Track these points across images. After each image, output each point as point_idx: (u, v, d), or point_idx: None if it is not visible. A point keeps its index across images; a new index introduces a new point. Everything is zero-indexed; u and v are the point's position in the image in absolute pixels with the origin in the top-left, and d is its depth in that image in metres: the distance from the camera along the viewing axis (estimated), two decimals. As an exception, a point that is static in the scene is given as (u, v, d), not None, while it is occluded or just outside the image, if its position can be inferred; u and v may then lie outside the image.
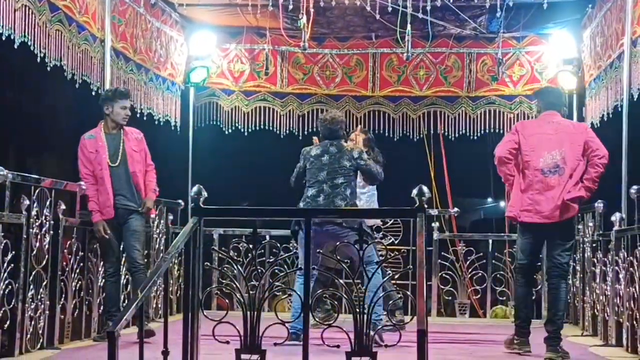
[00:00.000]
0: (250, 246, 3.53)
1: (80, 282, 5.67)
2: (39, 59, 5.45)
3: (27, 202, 4.86)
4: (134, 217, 5.78)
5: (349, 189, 5.80)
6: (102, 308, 5.95)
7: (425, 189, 3.51)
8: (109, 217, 5.68)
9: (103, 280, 5.91)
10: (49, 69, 5.62)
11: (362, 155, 5.93)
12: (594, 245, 6.55)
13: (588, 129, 5.50)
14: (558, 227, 5.15)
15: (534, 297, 5.94)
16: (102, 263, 5.94)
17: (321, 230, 5.49)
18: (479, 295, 8.31)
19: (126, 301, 6.18)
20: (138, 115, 7.36)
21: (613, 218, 5.87)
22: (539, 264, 6.79)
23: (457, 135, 8.50)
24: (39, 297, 5.04)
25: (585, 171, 5.14)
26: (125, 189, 5.75)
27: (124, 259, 5.99)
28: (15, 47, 5.13)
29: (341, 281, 3.71)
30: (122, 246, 5.86)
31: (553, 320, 5.17)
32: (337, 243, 4.33)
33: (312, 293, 3.39)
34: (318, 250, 3.62)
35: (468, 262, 8.16)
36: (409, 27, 6.92)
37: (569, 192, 5.09)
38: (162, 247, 7.15)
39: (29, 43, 5.26)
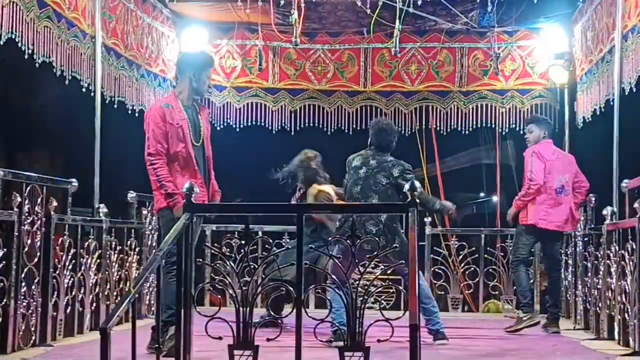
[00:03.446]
0: (243, 242, 3.52)
1: (72, 279, 5.65)
2: (26, 56, 5.42)
3: (18, 199, 4.85)
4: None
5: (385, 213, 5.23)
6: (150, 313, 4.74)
7: (417, 183, 3.51)
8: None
9: (166, 279, 4.35)
10: (37, 65, 5.58)
11: (404, 174, 5.46)
12: (585, 239, 6.57)
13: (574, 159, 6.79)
14: (553, 232, 6.51)
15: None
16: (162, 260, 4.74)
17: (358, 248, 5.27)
18: (471, 290, 8.32)
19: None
20: (130, 112, 7.34)
21: (604, 212, 5.89)
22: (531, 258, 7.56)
23: (449, 130, 8.51)
24: (31, 294, 5.03)
25: (574, 195, 6.55)
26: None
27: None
28: (2, 43, 5.09)
29: (334, 277, 3.71)
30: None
31: (556, 304, 6.54)
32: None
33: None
34: (362, 263, 3.53)
35: (460, 257, 8.18)
36: (397, 22, 6.91)
37: (577, 210, 6.55)
38: (154, 244, 7.15)
39: (17, 40, 5.23)
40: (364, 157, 5.63)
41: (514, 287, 7.66)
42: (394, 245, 5.25)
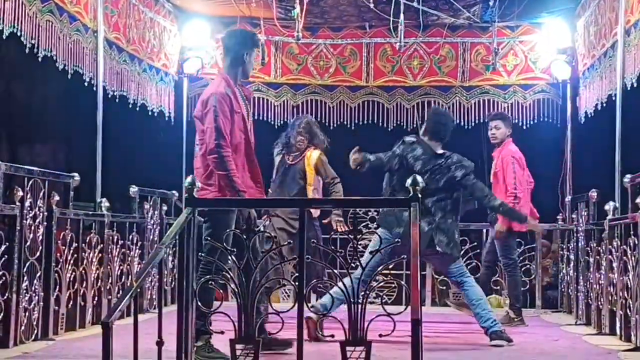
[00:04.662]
0: (245, 237, 3.52)
1: (74, 274, 5.66)
2: (27, 50, 5.41)
3: (20, 193, 4.85)
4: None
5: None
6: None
7: (419, 178, 3.50)
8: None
9: (205, 281, 3.72)
10: (39, 59, 5.58)
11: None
12: (587, 234, 6.56)
13: None
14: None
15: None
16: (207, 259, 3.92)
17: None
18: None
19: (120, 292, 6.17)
20: (132, 106, 7.34)
21: (607, 207, 5.88)
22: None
23: (451, 125, 8.49)
24: (33, 288, 5.03)
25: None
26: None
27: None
28: (4, 37, 5.09)
29: (335, 271, 3.71)
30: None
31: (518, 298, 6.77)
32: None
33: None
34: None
35: (462, 252, 8.16)
36: (402, 16, 6.90)
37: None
38: (156, 238, 7.15)
39: (19, 34, 5.22)
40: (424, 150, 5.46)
41: (509, 290, 7.55)
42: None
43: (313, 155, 6.43)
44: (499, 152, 6.63)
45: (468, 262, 8.11)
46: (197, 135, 4.58)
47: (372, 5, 7.13)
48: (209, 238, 4.10)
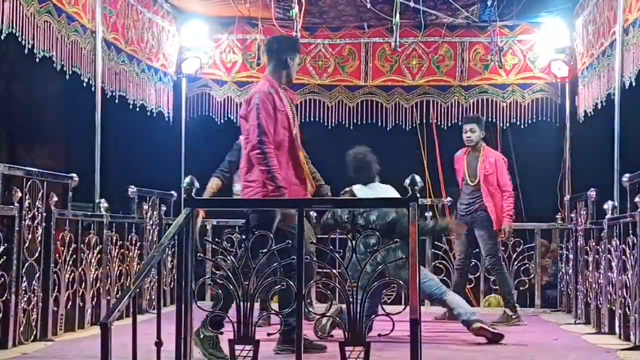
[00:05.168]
0: (243, 237, 3.52)
1: (73, 274, 5.66)
2: (27, 50, 5.41)
3: (19, 194, 4.85)
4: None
5: None
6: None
7: (417, 178, 3.50)
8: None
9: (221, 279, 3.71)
10: (37, 60, 5.57)
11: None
12: (586, 233, 6.57)
13: None
14: None
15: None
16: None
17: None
18: (472, 285, 8.31)
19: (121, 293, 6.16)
20: (131, 107, 7.34)
21: (605, 206, 5.88)
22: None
23: (449, 124, 8.50)
24: (31, 289, 5.04)
25: None
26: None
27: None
28: (3, 38, 5.08)
29: (334, 271, 3.71)
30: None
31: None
32: None
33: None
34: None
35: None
36: (397, 16, 6.89)
37: None
38: (155, 239, 7.15)
39: (17, 34, 5.22)
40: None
41: (502, 287, 7.46)
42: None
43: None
44: (486, 156, 6.70)
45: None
46: (243, 135, 4.71)
47: (369, 5, 7.12)
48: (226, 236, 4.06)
